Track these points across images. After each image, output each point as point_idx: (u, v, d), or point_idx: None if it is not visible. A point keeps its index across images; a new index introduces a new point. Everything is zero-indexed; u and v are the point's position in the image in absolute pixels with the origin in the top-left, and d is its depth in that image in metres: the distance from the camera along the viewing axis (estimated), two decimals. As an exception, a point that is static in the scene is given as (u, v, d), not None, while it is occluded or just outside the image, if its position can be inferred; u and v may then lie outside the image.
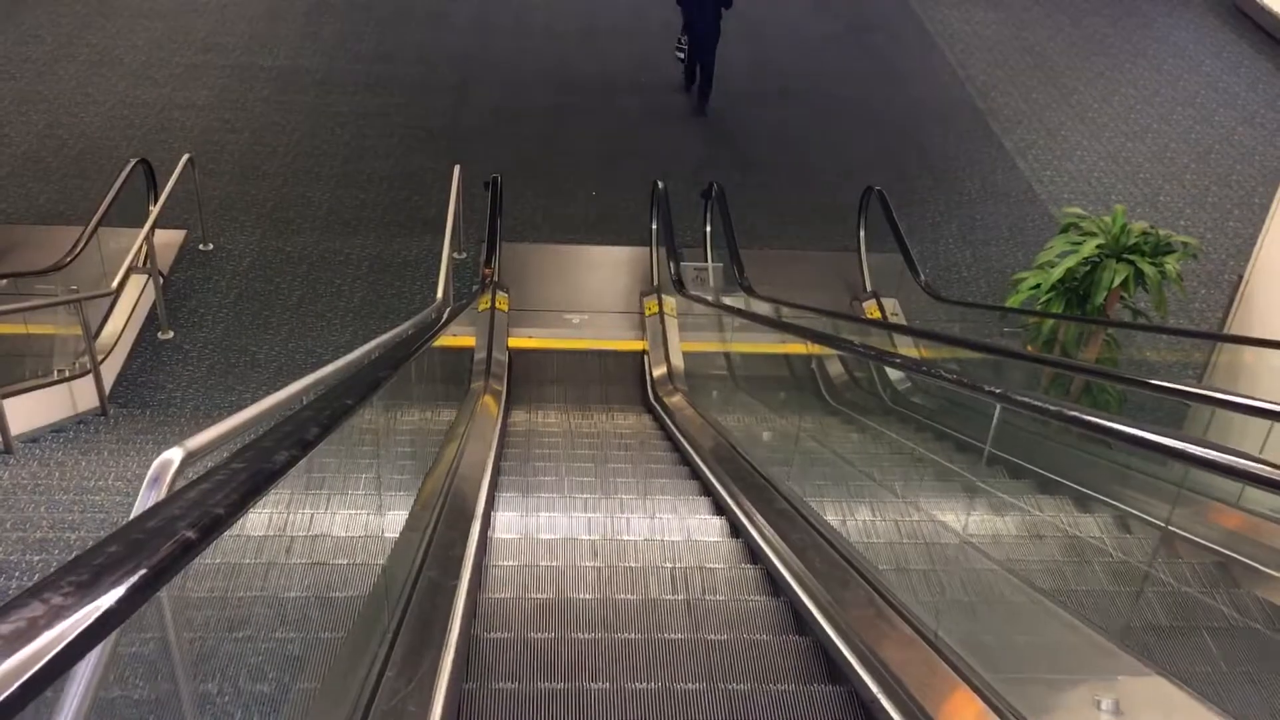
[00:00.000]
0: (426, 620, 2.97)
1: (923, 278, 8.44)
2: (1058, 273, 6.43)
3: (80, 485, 5.19)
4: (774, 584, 4.07)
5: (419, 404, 4.69)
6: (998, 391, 2.38)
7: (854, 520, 4.52)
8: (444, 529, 3.76)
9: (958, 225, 10.54)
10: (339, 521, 3.35)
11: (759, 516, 4.57)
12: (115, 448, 6.17)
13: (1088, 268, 6.53)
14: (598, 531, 4.62)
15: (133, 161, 8.62)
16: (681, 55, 12.14)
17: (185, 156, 8.91)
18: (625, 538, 4.57)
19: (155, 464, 2.04)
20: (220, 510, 1.34)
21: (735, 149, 11.68)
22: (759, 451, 5.59)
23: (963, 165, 11.54)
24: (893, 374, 7.94)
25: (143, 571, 1.05)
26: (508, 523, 4.71)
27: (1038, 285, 6.63)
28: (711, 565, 4.40)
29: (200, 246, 9.45)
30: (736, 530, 4.68)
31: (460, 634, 2.96)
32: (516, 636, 3.40)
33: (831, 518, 4.30)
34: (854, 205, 9.80)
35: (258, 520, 3.55)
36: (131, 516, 1.44)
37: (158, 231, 8.99)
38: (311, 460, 2.06)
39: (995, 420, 2.40)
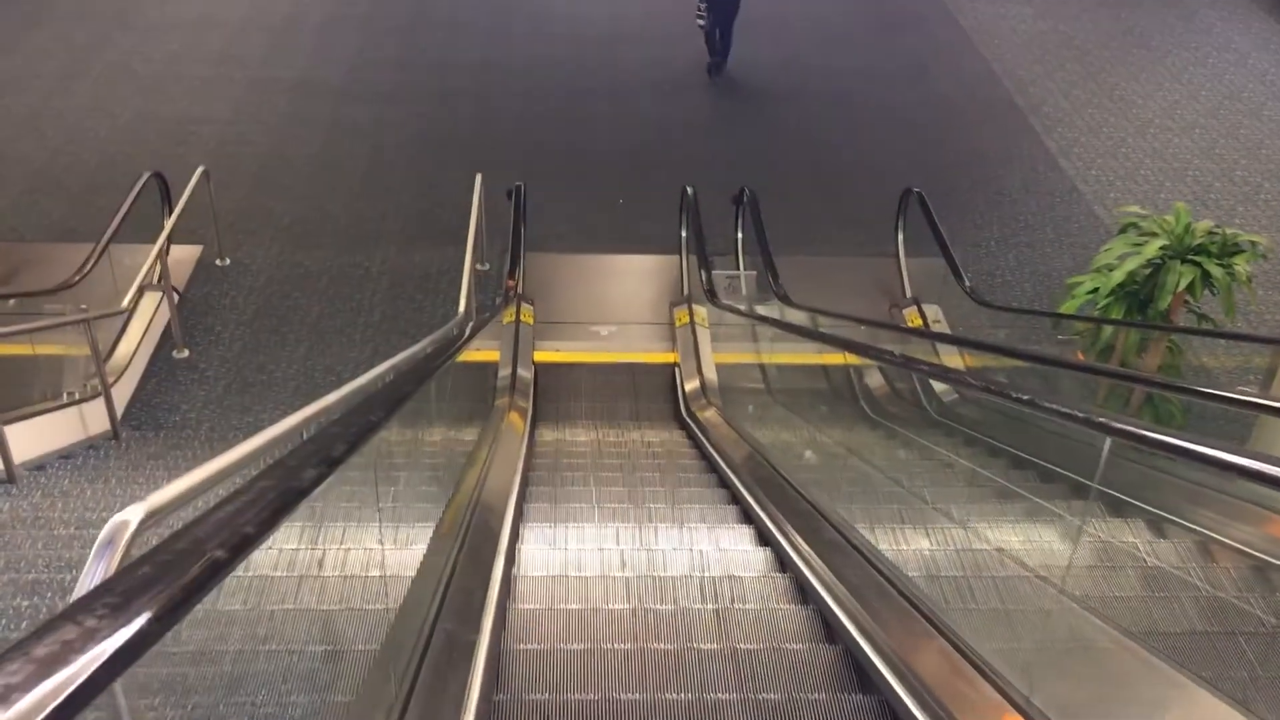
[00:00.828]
0: (442, 681, 2.63)
1: (967, 283, 8.03)
2: (1118, 276, 6.02)
3: (82, 518, 4.89)
4: (812, 601, 3.75)
5: (437, 426, 4.38)
6: (1108, 423, 2.01)
7: (917, 552, 4.17)
8: (464, 571, 3.42)
9: (999, 227, 10.13)
10: (342, 564, 3.03)
11: (806, 547, 4.24)
12: (124, 474, 5.88)
13: (1149, 270, 6.12)
14: (633, 573, 4.28)
15: (146, 175, 8.37)
16: (702, 22, 11.90)
17: (200, 169, 8.64)
18: (663, 573, 4.22)
19: (109, 525, 1.72)
20: (250, 529, 1.29)
21: (765, 153, 11.30)
22: (802, 474, 5.22)
23: (1002, 165, 11.13)
24: (937, 385, 7.55)
25: (174, 591, 1.02)
26: (534, 561, 4.37)
27: (1095, 289, 6.22)
28: (744, 575, 4.08)
29: (216, 262, 9.19)
30: (783, 564, 4.32)
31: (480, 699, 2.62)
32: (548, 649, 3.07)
33: (890, 550, 3.94)
34: (890, 209, 9.40)
35: (253, 563, 3.21)
36: (74, 596, 1.12)
37: (173, 247, 8.76)
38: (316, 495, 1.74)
39: (1105, 456, 2.03)
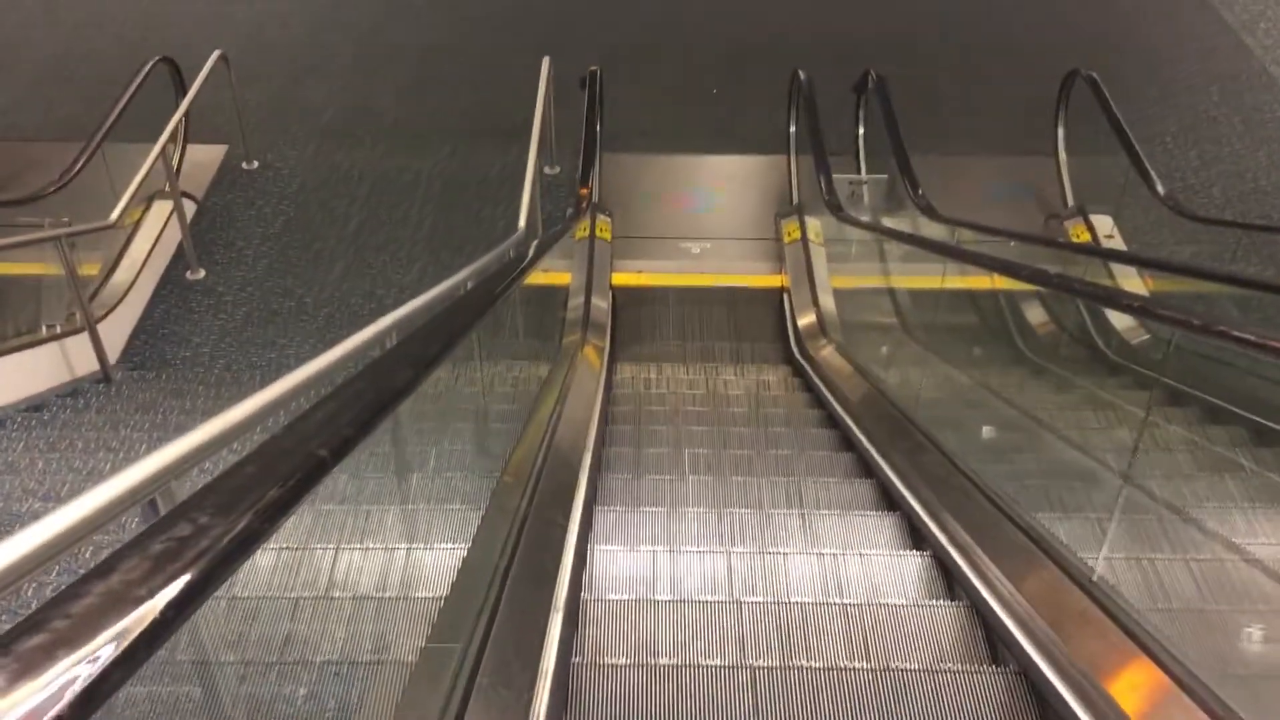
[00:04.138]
0: None
1: (1160, 187, 6.34)
2: None
3: (6, 510, 3.67)
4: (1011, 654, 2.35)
5: (484, 378, 3.08)
6: None
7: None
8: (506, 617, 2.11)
9: (1176, 120, 8.35)
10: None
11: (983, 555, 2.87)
12: (96, 435, 4.65)
13: None
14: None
15: (153, 60, 7.06)
16: None
17: (216, 53, 7.28)
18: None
19: None
20: (350, 431, 1.26)
21: (888, 33, 9.56)
22: (971, 447, 3.79)
23: (1174, 45, 9.28)
24: (1118, 320, 5.97)
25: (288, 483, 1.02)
26: (611, 578, 3.05)
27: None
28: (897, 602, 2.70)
29: (243, 165, 7.89)
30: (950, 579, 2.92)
31: None
32: None
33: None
34: (1039, 98, 7.68)
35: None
36: None
37: (192, 147, 7.54)
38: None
39: None
